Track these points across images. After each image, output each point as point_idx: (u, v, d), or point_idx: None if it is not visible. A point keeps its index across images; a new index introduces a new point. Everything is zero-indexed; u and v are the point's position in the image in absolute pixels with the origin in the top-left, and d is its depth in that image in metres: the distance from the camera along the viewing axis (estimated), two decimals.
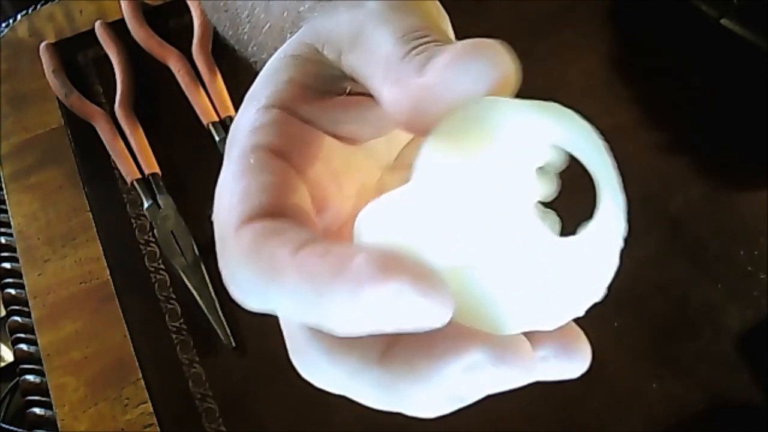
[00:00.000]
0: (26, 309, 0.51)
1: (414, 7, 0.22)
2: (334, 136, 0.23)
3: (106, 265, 0.52)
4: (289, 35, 0.26)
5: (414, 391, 0.19)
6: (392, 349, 0.19)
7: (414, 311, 0.17)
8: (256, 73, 0.25)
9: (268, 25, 0.29)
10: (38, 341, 0.50)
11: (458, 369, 0.18)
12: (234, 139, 0.22)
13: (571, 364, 0.21)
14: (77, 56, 0.62)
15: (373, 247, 0.18)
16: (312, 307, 0.18)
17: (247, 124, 0.22)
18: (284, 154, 0.22)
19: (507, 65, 0.19)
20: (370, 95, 0.23)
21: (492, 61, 0.19)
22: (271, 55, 0.25)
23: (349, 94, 0.23)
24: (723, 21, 0.57)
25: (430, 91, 0.19)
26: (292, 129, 0.22)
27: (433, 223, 0.18)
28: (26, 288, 0.52)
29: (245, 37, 0.32)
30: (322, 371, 0.21)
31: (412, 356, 0.19)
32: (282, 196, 0.21)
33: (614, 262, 0.19)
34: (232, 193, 0.21)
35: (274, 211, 0.20)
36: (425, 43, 0.21)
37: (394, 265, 0.17)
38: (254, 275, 0.19)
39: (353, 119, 0.23)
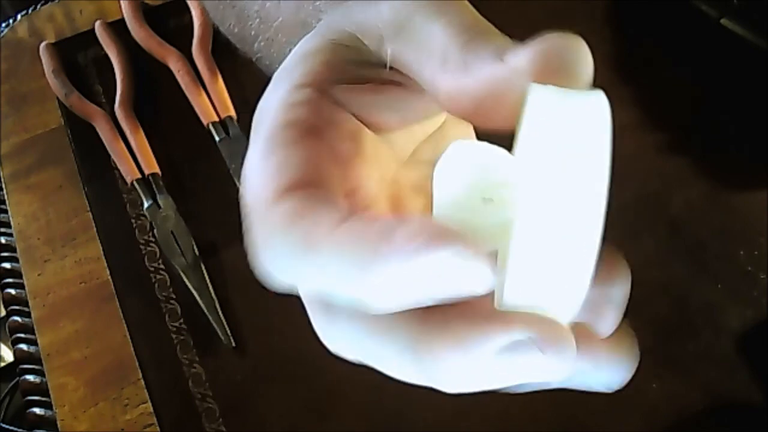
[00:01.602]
0: (26, 309, 0.51)
1: (460, 3, 0.22)
2: (363, 121, 0.23)
3: (106, 265, 0.52)
4: (301, 29, 0.26)
5: (450, 357, 0.18)
6: (431, 313, 0.19)
7: (462, 277, 0.17)
8: (260, 71, 0.25)
9: (279, 20, 0.29)
10: (38, 341, 0.50)
11: (503, 343, 0.18)
12: (263, 116, 0.22)
13: (608, 376, 0.21)
14: (77, 56, 0.62)
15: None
16: (353, 278, 0.18)
17: (279, 102, 0.22)
18: (317, 132, 0.21)
19: (589, 65, 0.19)
20: (399, 84, 0.23)
21: (583, 59, 0.19)
22: (281, 51, 0.25)
23: (384, 81, 0.23)
24: (723, 21, 0.57)
25: (515, 81, 0.19)
26: (325, 109, 0.22)
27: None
28: (26, 288, 0.52)
29: (252, 33, 0.32)
30: (347, 330, 0.20)
31: (454, 323, 0.18)
32: (316, 171, 0.21)
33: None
34: (265, 167, 0.21)
35: (309, 184, 0.20)
36: (486, 36, 0.21)
37: (439, 234, 0.17)
38: (290, 246, 0.19)
39: (383, 107, 0.24)
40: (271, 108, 0.22)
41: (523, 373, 0.18)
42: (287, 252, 0.19)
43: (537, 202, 0.17)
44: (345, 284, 0.18)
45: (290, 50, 0.24)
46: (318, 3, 0.26)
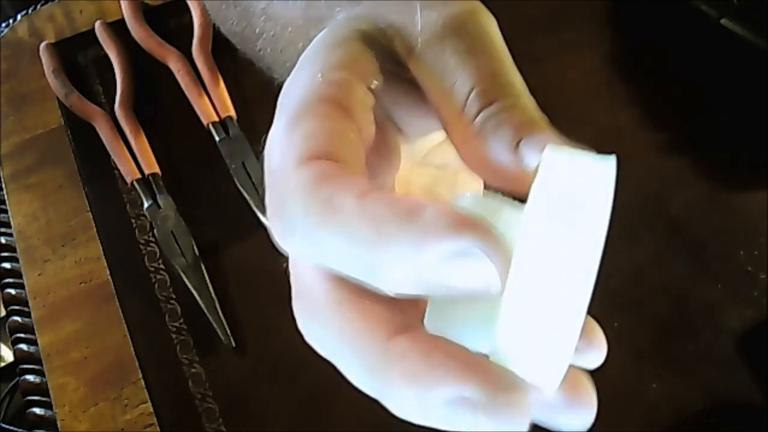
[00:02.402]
0: (26, 309, 0.51)
1: (490, 35, 0.22)
2: (387, 119, 0.23)
3: (106, 265, 0.52)
4: (312, 26, 0.26)
5: (401, 395, 0.18)
6: (402, 334, 0.18)
7: (475, 272, 0.17)
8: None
9: (287, 17, 0.29)
10: (38, 341, 0.50)
11: (450, 395, 0.17)
12: (291, 92, 0.22)
13: (577, 414, 0.20)
14: (77, 56, 0.62)
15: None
16: (368, 254, 0.17)
17: (311, 79, 0.21)
18: (349, 110, 0.21)
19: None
20: (420, 92, 0.23)
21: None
22: (288, 47, 0.25)
23: (412, 82, 0.23)
24: (723, 21, 0.57)
25: (518, 176, 0.19)
26: (358, 91, 0.21)
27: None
28: (26, 288, 0.52)
29: (256, 30, 0.32)
30: (323, 325, 0.20)
31: (413, 363, 0.18)
32: (345, 145, 0.20)
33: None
34: (292, 134, 0.20)
35: (337, 155, 0.20)
36: (507, 95, 0.21)
37: (467, 221, 0.17)
38: (310, 211, 0.18)
39: (410, 107, 0.23)
40: (301, 85, 0.22)
41: (470, 426, 0.18)
42: (307, 214, 0.18)
43: (526, 268, 0.17)
44: (358, 257, 0.18)
45: (302, 46, 0.24)
46: (331, 1, 0.26)
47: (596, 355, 0.22)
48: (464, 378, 0.17)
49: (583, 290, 0.17)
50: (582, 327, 0.18)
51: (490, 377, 0.17)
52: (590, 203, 0.17)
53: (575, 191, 0.17)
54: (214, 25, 0.61)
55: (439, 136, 0.26)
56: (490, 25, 0.22)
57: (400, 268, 0.17)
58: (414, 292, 0.18)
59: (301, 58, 0.23)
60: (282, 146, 0.20)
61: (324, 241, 0.18)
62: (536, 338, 0.18)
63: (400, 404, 0.18)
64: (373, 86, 0.22)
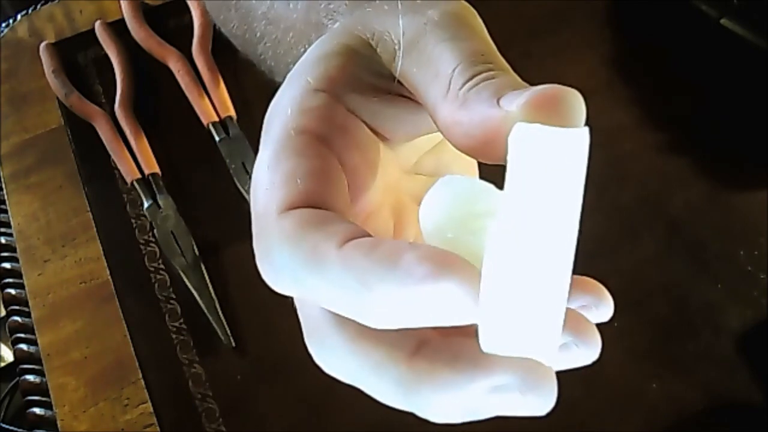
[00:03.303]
0: (26, 309, 0.51)
1: (473, 26, 0.22)
2: (372, 130, 0.24)
3: (106, 265, 0.52)
4: (313, 30, 0.26)
5: (435, 397, 0.19)
6: (422, 350, 0.19)
7: (458, 310, 0.18)
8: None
9: (288, 21, 0.29)
10: (38, 341, 0.50)
11: (485, 388, 0.19)
12: (275, 117, 0.23)
13: (587, 350, 0.21)
14: (77, 56, 0.62)
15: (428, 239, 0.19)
16: (354, 299, 0.18)
17: (292, 104, 0.22)
18: (327, 140, 0.22)
19: (582, 117, 0.19)
20: (411, 98, 0.23)
21: (573, 117, 0.19)
22: (288, 52, 0.25)
23: (393, 93, 0.23)
24: (723, 21, 0.57)
25: (506, 125, 0.19)
26: (337, 115, 0.22)
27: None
28: (26, 288, 0.52)
29: (257, 34, 0.32)
30: (340, 359, 0.21)
31: (441, 363, 0.19)
32: (324, 183, 0.21)
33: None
34: (273, 175, 0.21)
35: (316, 197, 0.21)
36: (490, 70, 0.21)
37: (446, 263, 0.18)
38: (295, 261, 0.19)
39: (392, 117, 0.24)
40: (284, 110, 0.22)
41: (506, 410, 0.19)
42: (293, 264, 0.19)
43: (504, 243, 0.18)
44: (345, 301, 0.19)
45: (303, 50, 0.24)
46: (331, 5, 0.26)
47: (605, 310, 0.23)
48: (494, 370, 0.19)
49: (564, 262, 0.17)
50: (580, 291, 0.19)
51: (511, 362, 0.19)
52: (564, 174, 0.17)
53: (548, 164, 0.18)
54: (214, 25, 0.61)
55: (428, 143, 0.26)
56: (473, 19, 0.23)
57: (384, 309, 0.18)
58: (402, 326, 0.19)
59: (288, 75, 0.24)
60: (264, 190, 0.21)
61: (311, 286, 0.19)
62: (524, 316, 0.18)
63: (437, 411, 0.19)
64: (353, 102, 0.23)
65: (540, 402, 0.19)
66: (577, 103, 0.19)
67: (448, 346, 0.19)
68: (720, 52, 0.57)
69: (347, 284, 0.18)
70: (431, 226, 0.21)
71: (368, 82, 0.23)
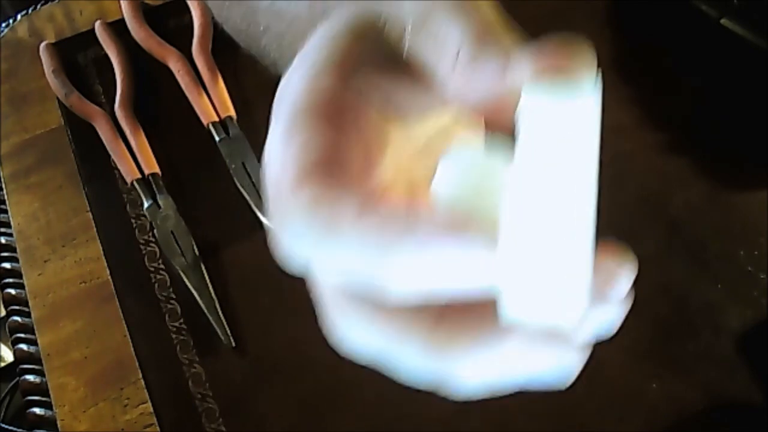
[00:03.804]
0: (26, 309, 0.51)
1: (487, 3, 0.23)
2: (382, 109, 0.24)
3: (106, 265, 0.52)
4: (319, 18, 0.27)
5: (464, 358, 0.19)
6: (445, 317, 0.20)
7: (478, 269, 0.18)
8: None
9: (293, 13, 0.30)
10: (38, 341, 0.50)
11: (516, 344, 0.19)
12: (285, 96, 0.23)
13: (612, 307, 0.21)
14: (77, 56, 0.62)
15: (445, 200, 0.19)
16: (374, 264, 0.19)
17: (303, 83, 0.23)
18: (338, 118, 0.22)
19: (591, 72, 0.19)
20: (420, 75, 0.23)
21: (581, 75, 0.19)
22: (295, 42, 0.26)
23: (402, 71, 0.24)
24: (723, 21, 0.57)
25: (515, 93, 0.20)
26: (348, 94, 0.23)
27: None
28: (26, 288, 0.52)
29: (261, 27, 0.32)
30: (362, 332, 0.21)
31: (468, 325, 0.19)
32: (338, 155, 0.21)
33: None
34: (285, 149, 0.22)
35: (330, 170, 0.21)
36: (498, 40, 0.21)
37: (464, 222, 0.18)
38: (313, 230, 0.20)
39: (402, 95, 0.24)
40: (294, 89, 0.23)
41: (534, 373, 0.19)
42: (310, 236, 0.20)
43: (520, 208, 0.18)
44: (365, 269, 0.19)
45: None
46: None
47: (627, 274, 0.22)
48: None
49: (584, 223, 0.18)
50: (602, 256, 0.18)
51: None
52: (576, 135, 0.18)
53: (559, 127, 0.18)
54: (214, 25, 0.61)
55: (438, 122, 0.27)
56: None
57: (405, 273, 0.18)
58: (422, 294, 0.19)
59: (298, 55, 0.24)
60: (278, 162, 0.21)
61: (330, 255, 0.20)
62: (546, 280, 0.18)
63: (465, 375, 0.19)
64: (362, 82, 0.23)
65: (569, 359, 0.19)
66: (583, 60, 0.19)
67: (470, 314, 0.19)
68: (720, 52, 0.57)
69: (367, 250, 0.19)
70: (445, 201, 0.21)
71: (377, 60, 0.23)
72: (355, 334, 0.21)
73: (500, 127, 0.21)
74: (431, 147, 0.27)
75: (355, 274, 0.20)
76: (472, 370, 0.19)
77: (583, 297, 0.18)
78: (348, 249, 0.19)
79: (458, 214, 0.18)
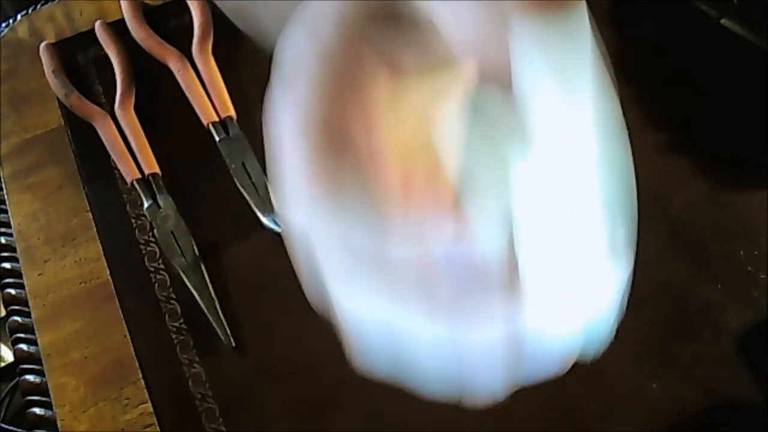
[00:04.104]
0: (26, 309, 0.51)
1: None
2: (384, 61, 0.24)
3: (106, 265, 0.52)
4: None
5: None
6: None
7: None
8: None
9: None
10: (38, 341, 0.50)
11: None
12: (287, 49, 0.23)
13: None
14: (77, 56, 0.62)
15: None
16: (375, 224, 0.20)
17: (304, 37, 0.23)
18: (341, 69, 0.22)
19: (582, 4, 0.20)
20: (416, 24, 0.24)
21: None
22: (286, 9, 0.26)
23: (404, 19, 0.24)
24: (723, 21, 0.57)
25: (505, 17, 0.21)
26: (353, 47, 0.23)
27: None
28: (26, 288, 0.52)
29: None
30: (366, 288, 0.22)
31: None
32: (340, 111, 0.22)
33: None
34: (290, 102, 0.22)
35: (332, 121, 0.21)
36: None
37: (453, 198, 0.20)
38: (316, 190, 0.21)
39: (405, 43, 0.24)
40: (296, 42, 0.23)
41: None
42: (312, 194, 0.21)
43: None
44: (364, 229, 0.20)
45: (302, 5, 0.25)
46: None
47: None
48: None
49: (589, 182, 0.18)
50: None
51: None
52: (569, 62, 0.18)
53: (552, 56, 0.18)
54: (214, 25, 0.61)
55: (434, 90, 0.27)
56: None
57: (399, 243, 0.20)
58: (419, 262, 0.20)
59: (300, 11, 0.24)
60: (279, 116, 0.22)
61: (330, 220, 0.21)
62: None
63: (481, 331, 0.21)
64: (364, 33, 0.23)
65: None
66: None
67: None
68: (720, 52, 0.57)
69: (369, 214, 0.20)
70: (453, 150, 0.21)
71: (379, 10, 0.24)
72: (360, 300, 0.22)
73: (495, 79, 0.21)
74: (425, 111, 0.28)
75: (354, 233, 0.20)
76: (481, 323, 0.20)
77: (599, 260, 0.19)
78: (351, 209, 0.20)
79: (451, 187, 0.19)
